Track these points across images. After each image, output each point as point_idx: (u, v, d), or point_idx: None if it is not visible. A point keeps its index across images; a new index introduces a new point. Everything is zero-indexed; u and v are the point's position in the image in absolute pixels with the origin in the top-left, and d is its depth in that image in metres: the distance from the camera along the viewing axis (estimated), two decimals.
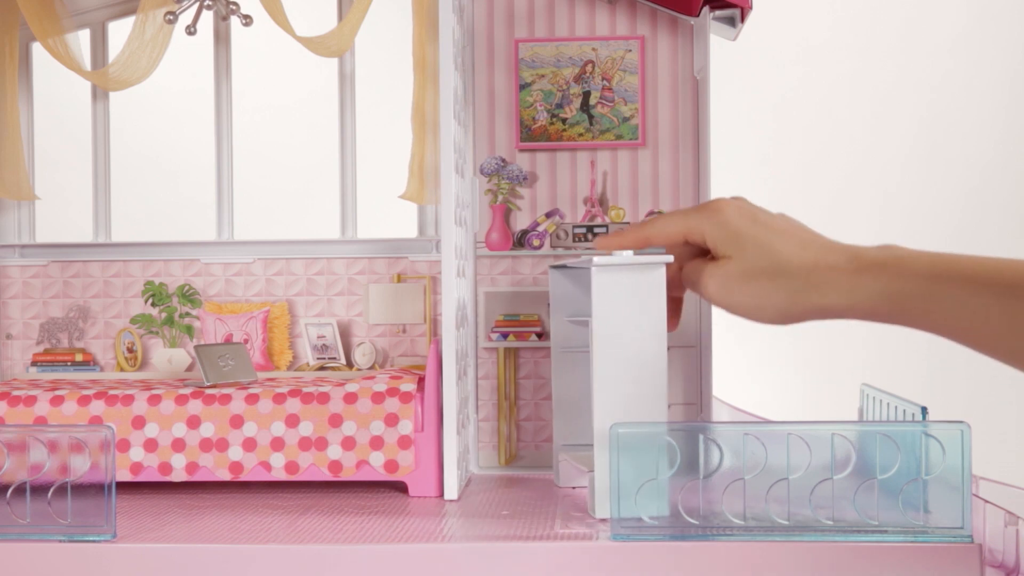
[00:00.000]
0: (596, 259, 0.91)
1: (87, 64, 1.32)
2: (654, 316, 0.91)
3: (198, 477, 1.04)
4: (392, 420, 1.03)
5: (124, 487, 1.05)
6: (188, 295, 1.30)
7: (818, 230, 0.82)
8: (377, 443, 1.03)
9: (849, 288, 0.79)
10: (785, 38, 1.94)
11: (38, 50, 1.32)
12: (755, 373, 1.93)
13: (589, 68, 1.21)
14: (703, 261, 0.86)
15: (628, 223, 1.21)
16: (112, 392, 1.07)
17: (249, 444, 1.04)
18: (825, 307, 0.80)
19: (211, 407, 1.05)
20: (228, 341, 1.27)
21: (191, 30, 1.28)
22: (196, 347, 1.13)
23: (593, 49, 1.21)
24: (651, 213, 1.21)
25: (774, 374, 1.95)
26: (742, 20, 1.20)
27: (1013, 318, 0.73)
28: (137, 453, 1.04)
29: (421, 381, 1.06)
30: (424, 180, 1.26)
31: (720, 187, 1.15)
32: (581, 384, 1.10)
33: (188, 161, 1.59)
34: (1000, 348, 0.75)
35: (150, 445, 1.04)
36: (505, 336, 1.21)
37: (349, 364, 1.28)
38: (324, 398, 1.04)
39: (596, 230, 1.21)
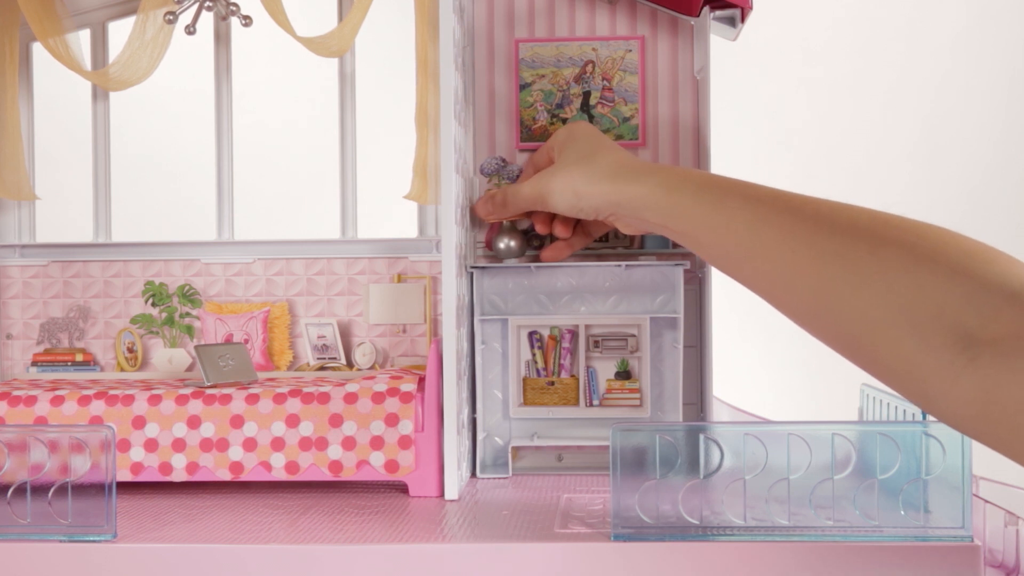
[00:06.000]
0: None
1: (87, 64, 1.32)
2: None
3: (198, 477, 1.04)
4: (392, 420, 1.03)
5: (124, 487, 1.05)
6: (188, 295, 1.30)
7: None
8: (377, 443, 1.03)
9: (636, 179, 0.93)
10: (785, 38, 1.94)
11: (38, 50, 1.32)
12: (755, 373, 1.93)
13: (589, 68, 1.21)
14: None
15: None
16: (112, 392, 1.07)
17: (249, 444, 1.04)
18: (618, 197, 0.95)
19: (211, 407, 1.05)
20: (228, 341, 1.27)
21: (190, 30, 1.28)
22: (196, 347, 1.13)
23: (593, 49, 1.21)
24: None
25: (774, 374, 1.95)
26: (742, 20, 1.20)
27: (751, 225, 0.82)
28: (137, 453, 1.04)
29: (421, 381, 1.06)
30: (428, 180, 1.26)
31: None
32: None
33: (188, 161, 1.58)
34: (743, 266, 0.85)
35: (150, 445, 1.04)
36: None
37: (349, 364, 1.28)
38: (324, 398, 1.04)
39: None
